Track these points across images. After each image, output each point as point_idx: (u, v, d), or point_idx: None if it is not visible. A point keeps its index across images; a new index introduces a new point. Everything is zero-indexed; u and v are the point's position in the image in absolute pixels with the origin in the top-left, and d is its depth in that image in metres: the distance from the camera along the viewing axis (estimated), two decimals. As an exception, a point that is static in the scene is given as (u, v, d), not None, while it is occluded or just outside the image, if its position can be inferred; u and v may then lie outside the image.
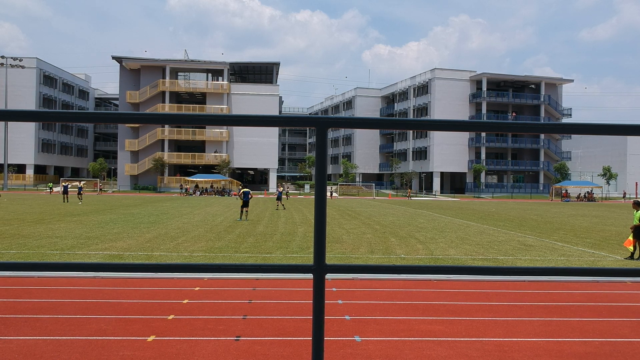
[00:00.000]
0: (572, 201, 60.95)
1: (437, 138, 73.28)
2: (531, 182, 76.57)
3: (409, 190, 65.11)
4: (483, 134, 71.54)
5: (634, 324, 7.67)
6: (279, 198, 33.21)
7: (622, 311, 8.34)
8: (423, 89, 77.53)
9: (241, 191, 24.39)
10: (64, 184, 38.32)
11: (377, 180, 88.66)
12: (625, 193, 69.28)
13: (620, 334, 7.09)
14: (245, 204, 23.69)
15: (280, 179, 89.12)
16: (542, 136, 74.32)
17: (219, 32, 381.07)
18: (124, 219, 23.01)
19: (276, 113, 61.09)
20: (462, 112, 74.35)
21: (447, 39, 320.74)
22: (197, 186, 62.52)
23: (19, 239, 15.36)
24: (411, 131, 77.66)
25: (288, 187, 53.85)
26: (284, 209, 32.58)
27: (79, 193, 39.00)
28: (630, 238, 14.09)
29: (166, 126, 67.36)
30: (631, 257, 13.90)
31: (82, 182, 51.64)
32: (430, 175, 75.73)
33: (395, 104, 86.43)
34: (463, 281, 10.17)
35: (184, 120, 1.14)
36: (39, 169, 76.49)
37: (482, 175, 72.93)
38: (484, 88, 74.22)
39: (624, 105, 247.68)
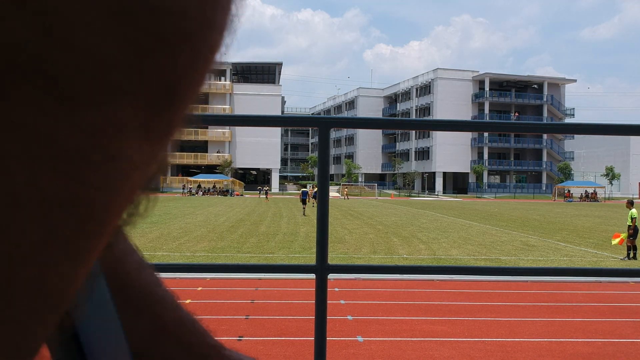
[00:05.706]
0: (575, 201, 60.81)
1: (440, 138, 73.17)
2: (534, 182, 76.41)
3: (345, 190, 57.01)
4: (486, 134, 71.47)
5: (637, 324, 7.66)
6: (314, 196, 34.20)
7: (625, 311, 8.32)
8: (425, 89, 77.44)
9: (301, 190, 28.85)
10: None
11: (379, 180, 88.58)
12: (596, 194, 66.79)
13: (623, 334, 7.08)
14: (303, 202, 27.89)
15: (284, 179, 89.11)
16: (545, 136, 74.15)
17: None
18: (126, 219, 23.02)
19: (278, 113, 61.18)
20: (465, 112, 74.22)
21: (449, 38, 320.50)
22: (199, 186, 62.57)
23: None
24: (414, 131, 77.61)
25: (346, 190, 51.49)
26: (314, 206, 33.51)
27: None
28: (623, 237, 14.13)
29: (169, 126, 67.28)
30: (634, 257, 13.89)
31: None
32: (432, 176, 75.64)
33: (398, 104, 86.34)
34: (465, 281, 10.16)
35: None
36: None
37: (485, 175, 72.80)
38: (487, 88, 74.09)
39: (627, 105, 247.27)
